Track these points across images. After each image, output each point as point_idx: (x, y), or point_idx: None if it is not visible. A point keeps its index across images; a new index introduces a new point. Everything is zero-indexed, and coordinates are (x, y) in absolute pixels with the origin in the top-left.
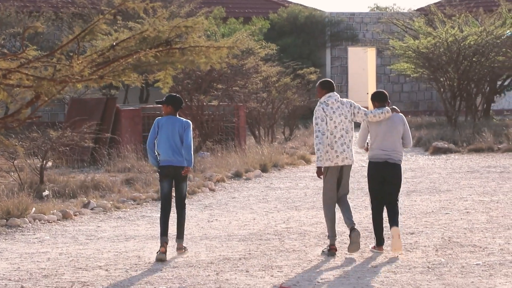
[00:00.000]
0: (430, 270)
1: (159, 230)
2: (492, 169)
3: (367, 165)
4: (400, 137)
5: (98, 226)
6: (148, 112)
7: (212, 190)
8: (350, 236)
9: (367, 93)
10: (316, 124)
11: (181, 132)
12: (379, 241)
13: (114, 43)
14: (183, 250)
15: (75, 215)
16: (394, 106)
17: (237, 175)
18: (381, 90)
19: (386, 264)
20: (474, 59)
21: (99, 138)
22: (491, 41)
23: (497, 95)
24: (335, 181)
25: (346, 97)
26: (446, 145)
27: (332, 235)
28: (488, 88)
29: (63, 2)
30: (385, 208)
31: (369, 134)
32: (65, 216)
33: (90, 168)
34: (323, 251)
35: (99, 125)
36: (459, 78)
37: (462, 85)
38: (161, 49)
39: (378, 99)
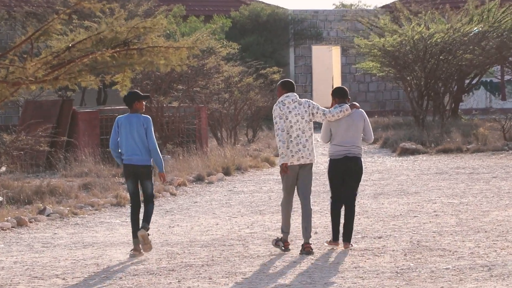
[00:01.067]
0: (398, 275)
1: (131, 231)
2: (461, 170)
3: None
4: (360, 132)
5: (55, 233)
6: (106, 115)
7: (173, 194)
8: (301, 251)
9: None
10: (275, 122)
11: (140, 130)
12: (335, 237)
13: (70, 45)
14: (147, 236)
15: (31, 222)
16: (354, 102)
17: (199, 179)
18: (341, 86)
19: (353, 269)
20: (441, 57)
21: (55, 141)
22: (458, 38)
23: (465, 94)
24: (293, 180)
25: (311, 97)
26: (413, 146)
27: (286, 230)
28: (456, 87)
29: (16, 1)
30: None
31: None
32: (20, 223)
33: (45, 173)
34: (276, 243)
35: (55, 128)
36: (426, 77)
37: (430, 84)
38: (118, 49)
39: (339, 95)
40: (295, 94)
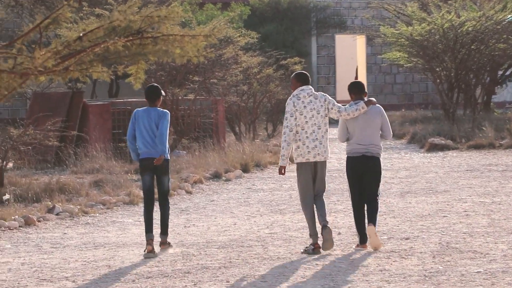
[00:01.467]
0: (426, 278)
1: (144, 227)
2: (493, 167)
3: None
4: (378, 130)
5: (64, 233)
6: (118, 108)
7: (189, 192)
8: (322, 234)
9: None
10: (285, 119)
11: (158, 122)
12: (362, 239)
13: (81, 34)
14: (167, 245)
15: (39, 221)
16: (371, 98)
17: (216, 176)
18: (357, 80)
19: (379, 272)
20: (472, 46)
21: (65, 136)
22: (490, 27)
23: (498, 86)
24: (310, 178)
25: (334, 89)
26: (443, 142)
27: (314, 233)
28: (488, 78)
29: None
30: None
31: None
32: (28, 222)
33: (55, 169)
34: (305, 249)
35: (65, 122)
36: (456, 68)
37: (460, 75)
38: (132, 38)
39: (355, 90)
40: (311, 87)
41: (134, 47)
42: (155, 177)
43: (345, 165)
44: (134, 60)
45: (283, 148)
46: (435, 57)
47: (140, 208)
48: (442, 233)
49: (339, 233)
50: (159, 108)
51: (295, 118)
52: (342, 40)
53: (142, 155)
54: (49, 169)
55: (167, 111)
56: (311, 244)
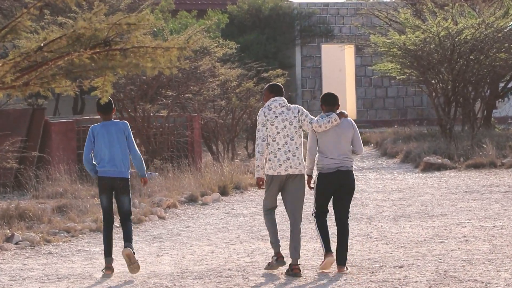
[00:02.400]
0: None
1: (103, 250)
2: (494, 188)
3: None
4: (349, 143)
5: (24, 264)
6: (83, 125)
7: (161, 218)
8: (287, 271)
9: (341, 100)
10: (258, 130)
11: (121, 138)
12: (328, 248)
13: (42, 44)
14: (133, 255)
15: None
16: (343, 111)
17: (192, 200)
18: (331, 92)
19: None
20: (471, 56)
21: (25, 157)
22: (491, 35)
23: (500, 100)
24: (276, 191)
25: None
26: (439, 161)
27: (275, 241)
28: (488, 91)
29: None
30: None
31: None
32: None
33: (14, 193)
34: (268, 264)
35: (25, 141)
36: (454, 80)
37: (458, 88)
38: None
39: (327, 102)
40: (283, 98)
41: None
42: (113, 196)
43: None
44: (101, 73)
45: (257, 160)
46: (431, 68)
47: None
48: (439, 260)
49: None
50: (117, 120)
51: (266, 128)
52: (328, 50)
53: (99, 173)
54: (7, 194)
55: (127, 122)
56: (273, 256)
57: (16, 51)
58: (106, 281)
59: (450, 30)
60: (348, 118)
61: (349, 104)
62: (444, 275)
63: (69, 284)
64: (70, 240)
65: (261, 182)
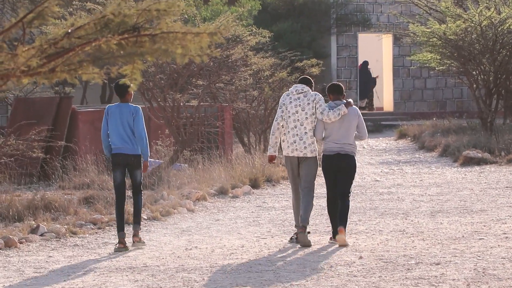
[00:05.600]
0: None
1: (116, 225)
2: None
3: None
4: (353, 130)
5: (50, 256)
6: None
7: (190, 210)
8: (296, 237)
9: (376, 93)
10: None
11: (130, 119)
12: (336, 233)
13: (69, 30)
14: (139, 239)
15: (21, 243)
16: (350, 100)
17: (222, 192)
18: (336, 83)
19: None
20: None
21: (51, 147)
22: None
23: None
24: (293, 170)
25: (356, 95)
26: (479, 155)
27: (297, 224)
28: None
29: None
30: None
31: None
32: (8, 244)
33: (39, 184)
34: (291, 238)
35: (51, 131)
36: (495, 71)
37: (500, 79)
38: (127, 36)
39: (334, 92)
40: (304, 85)
41: (129, 45)
42: (126, 172)
43: (368, 180)
44: (130, 59)
45: (270, 138)
46: (472, 59)
47: None
48: (478, 257)
49: (361, 257)
50: (130, 104)
51: (282, 111)
52: (365, 40)
53: (113, 150)
54: (33, 184)
55: (139, 107)
56: (294, 233)
57: (43, 37)
58: (133, 274)
59: (493, 20)
60: (354, 107)
61: (386, 96)
62: (483, 272)
63: (95, 277)
64: (96, 232)
65: (272, 159)
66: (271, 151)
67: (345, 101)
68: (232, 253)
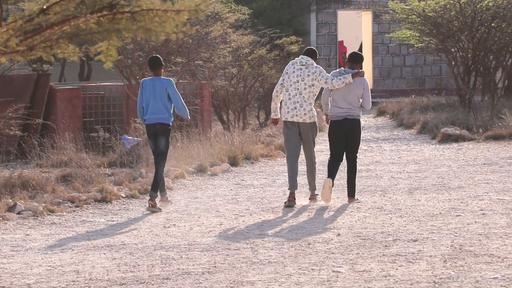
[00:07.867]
0: (436, 285)
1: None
2: None
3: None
4: (358, 98)
5: (27, 235)
6: (90, 92)
7: (169, 188)
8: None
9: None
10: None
11: (162, 91)
12: (329, 176)
13: (45, 7)
14: (167, 201)
15: None
16: (361, 70)
17: (201, 170)
18: (357, 52)
19: (383, 278)
20: (493, 24)
21: (29, 124)
22: None
23: None
24: (292, 136)
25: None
26: (457, 132)
27: (290, 186)
28: (510, 60)
29: None
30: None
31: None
32: None
33: (17, 162)
34: (285, 202)
35: (29, 108)
36: (474, 49)
37: (478, 57)
38: (106, 13)
39: (350, 59)
40: (309, 58)
41: (106, 22)
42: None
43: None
44: (106, 36)
45: (272, 103)
46: (450, 36)
47: (113, 206)
48: (455, 234)
49: (339, 234)
50: (163, 77)
51: (283, 79)
52: (345, 17)
53: (146, 121)
54: (10, 162)
55: (171, 79)
56: (288, 196)
57: (17, 13)
58: (111, 252)
59: None
60: (363, 77)
61: (365, 73)
62: (460, 249)
63: (73, 256)
64: (74, 211)
65: (274, 122)
66: (273, 115)
67: (356, 71)
68: (211, 231)
